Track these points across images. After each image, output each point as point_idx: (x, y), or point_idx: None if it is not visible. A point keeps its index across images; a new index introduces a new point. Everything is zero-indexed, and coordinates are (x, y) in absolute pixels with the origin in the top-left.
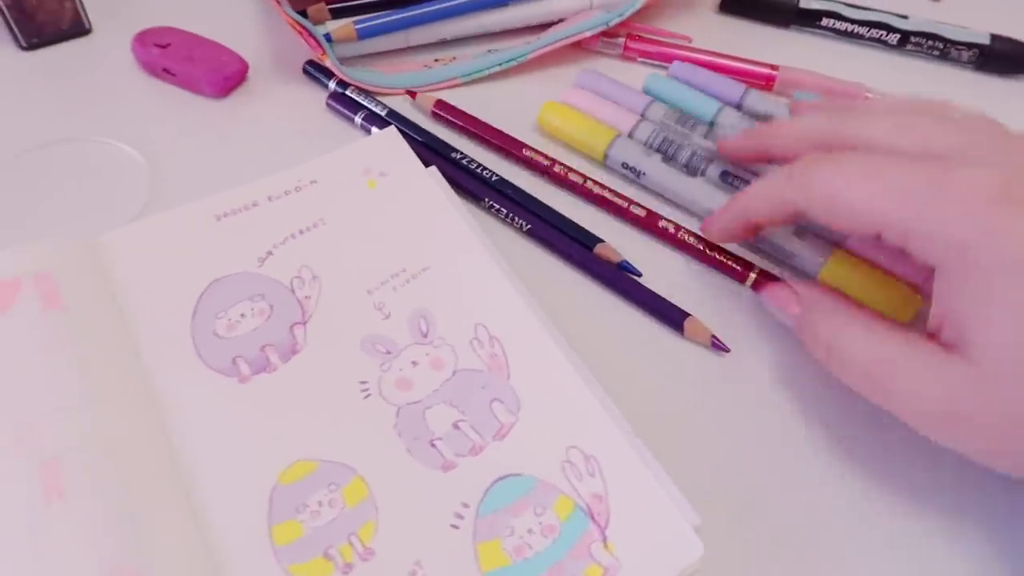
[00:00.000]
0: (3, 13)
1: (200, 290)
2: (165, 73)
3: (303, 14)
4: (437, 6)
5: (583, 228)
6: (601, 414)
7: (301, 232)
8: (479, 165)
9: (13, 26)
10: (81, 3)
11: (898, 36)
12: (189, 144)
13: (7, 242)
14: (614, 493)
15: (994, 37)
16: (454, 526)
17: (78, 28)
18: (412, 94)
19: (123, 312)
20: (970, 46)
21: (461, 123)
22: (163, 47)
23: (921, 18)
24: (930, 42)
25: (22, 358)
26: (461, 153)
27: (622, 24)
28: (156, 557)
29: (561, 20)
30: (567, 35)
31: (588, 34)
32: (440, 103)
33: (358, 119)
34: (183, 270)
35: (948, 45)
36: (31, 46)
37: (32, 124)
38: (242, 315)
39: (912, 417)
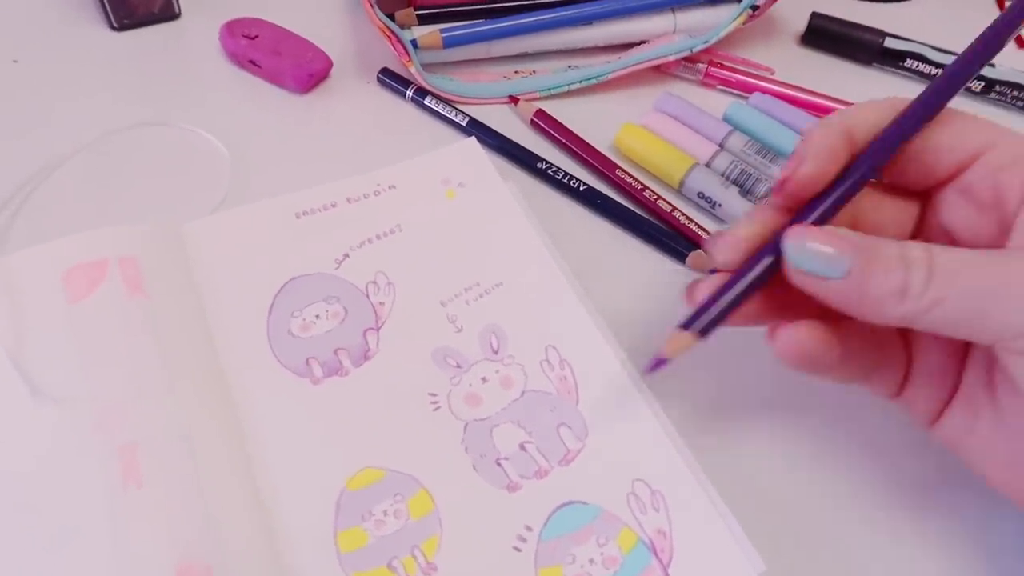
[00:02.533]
0: None
1: (277, 287)
2: (251, 64)
3: (391, 17)
4: (525, 20)
5: (677, 234)
6: (669, 448)
7: (379, 237)
8: (567, 175)
9: (106, 5)
10: None
11: (983, 84)
12: (271, 138)
13: (89, 222)
14: (679, 530)
15: None
16: (516, 548)
17: (168, 12)
18: (515, 100)
19: (202, 303)
20: None
21: (558, 135)
22: (251, 38)
23: (1008, 67)
24: (1015, 92)
25: (106, 341)
26: (547, 163)
27: (704, 51)
28: (226, 554)
29: (643, 41)
30: (649, 57)
31: (672, 58)
32: (540, 113)
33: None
34: (262, 266)
35: None
36: (122, 27)
37: (118, 105)
38: (317, 316)
39: None
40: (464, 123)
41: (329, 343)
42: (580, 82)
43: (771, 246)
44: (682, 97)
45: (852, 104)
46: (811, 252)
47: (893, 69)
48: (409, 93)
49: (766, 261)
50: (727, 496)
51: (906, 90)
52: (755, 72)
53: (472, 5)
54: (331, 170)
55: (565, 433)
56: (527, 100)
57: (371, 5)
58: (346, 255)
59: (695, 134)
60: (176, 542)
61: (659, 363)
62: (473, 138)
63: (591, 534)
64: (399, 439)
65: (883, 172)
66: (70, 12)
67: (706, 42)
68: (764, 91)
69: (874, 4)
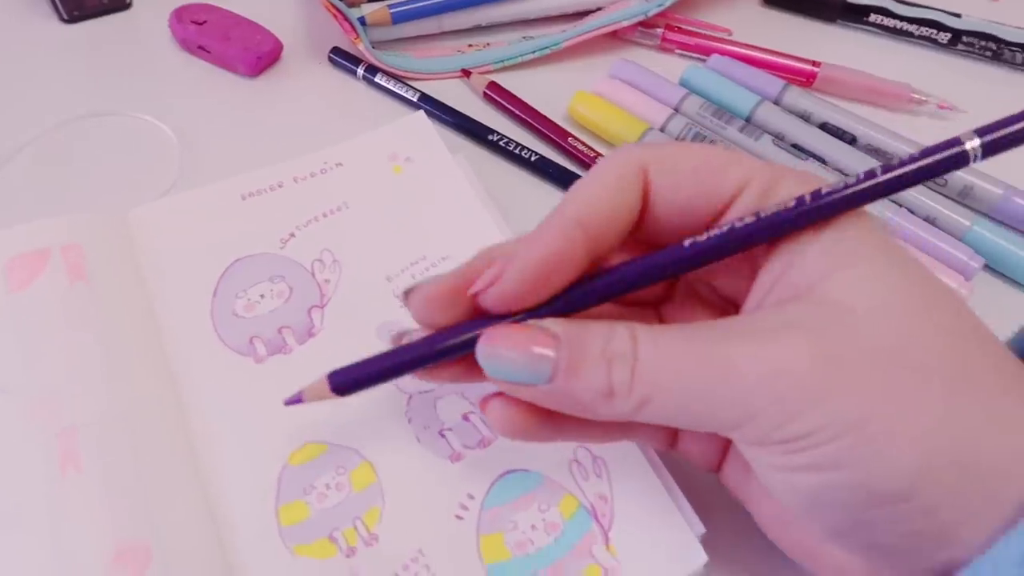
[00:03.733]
0: None
1: (222, 269)
2: (200, 50)
3: None
4: None
5: None
6: None
7: (325, 215)
8: (518, 146)
9: None
10: None
11: (949, 35)
12: (221, 122)
13: (40, 213)
14: (619, 496)
15: None
16: (459, 517)
17: (118, 2)
18: (467, 73)
19: (146, 287)
20: None
21: (511, 106)
22: (200, 24)
23: (975, 17)
24: (983, 42)
25: (46, 329)
26: (499, 134)
27: (660, 15)
28: (166, 534)
29: (599, 8)
30: (603, 24)
31: (625, 23)
32: (493, 85)
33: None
34: (206, 248)
35: (1002, 46)
36: (72, 19)
37: (68, 96)
38: (261, 296)
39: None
40: (415, 99)
41: (273, 322)
42: (534, 52)
43: (463, 329)
44: (637, 63)
45: (813, 61)
46: (506, 361)
47: (857, 25)
48: (360, 71)
49: (449, 343)
50: (669, 460)
51: (873, 46)
52: (713, 34)
53: None
54: (282, 152)
55: None
56: (480, 73)
57: None
58: (292, 234)
59: (650, 99)
60: (115, 524)
61: (297, 400)
62: (421, 112)
63: (533, 501)
64: (342, 413)
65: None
66: (20, 5)
67: (660, 5)
68: (723, 53)
69: None
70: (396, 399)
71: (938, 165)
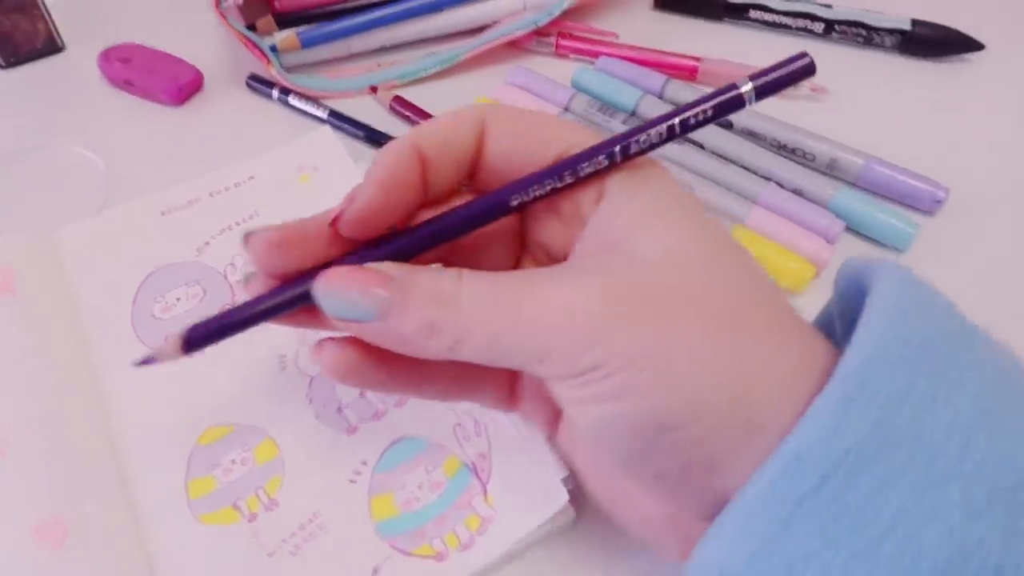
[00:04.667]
0: None
1: (142, 277)
2: (127, 85)
3: (253, 27)
4: (373, 15)
5: None
6: None
7: (237, 224)
8: None
9: None
10: (53, 24)
11: (823, 25)
12: (146, 149)
13: None
14: (496, 452)
15: (915, 22)
16: (352, 481)
17: (52, 47)
18: (374, 89)
19: (72, 297)
20: (892, 31)
21: (414, 116)
22: (125, 61)
23: (845, 7)
24: (854, 29)
25: None
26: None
27: (554, 24)
28: (84, 509)
29: (496, 23)
30: (498, 36)
31: (519, 34)
32: (398, 98)
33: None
34: (128, 260)
35: (871, 31)
36: (9, 64)
37: (6, 135)
38: (178, 299)
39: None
40: (325, 115)
41: (188, 321)
42: (437, 66)
43: (304, 280)
44: (531, 69)
45: (697, 58)
46: (343, 299)
47: (741, 22)
48: (275, 94)
49: (291, 294)
50: None
51: (756, 40)
52: (602, 39)
53: (330, 7)
54: (205, 171)
55: None
56: (387, 89)
57: (223, 16)
58: (207, 243)
59: (542, 100)
60: (34, 503)
61: (150, 360)
62: (326, 127)
63: (420, 463)
64: (248, 397)
65: (469, 184)
66: None
67: (550, 14)
68: (611, 55)
69: None
70: (299, 381)
71: (720, 106)
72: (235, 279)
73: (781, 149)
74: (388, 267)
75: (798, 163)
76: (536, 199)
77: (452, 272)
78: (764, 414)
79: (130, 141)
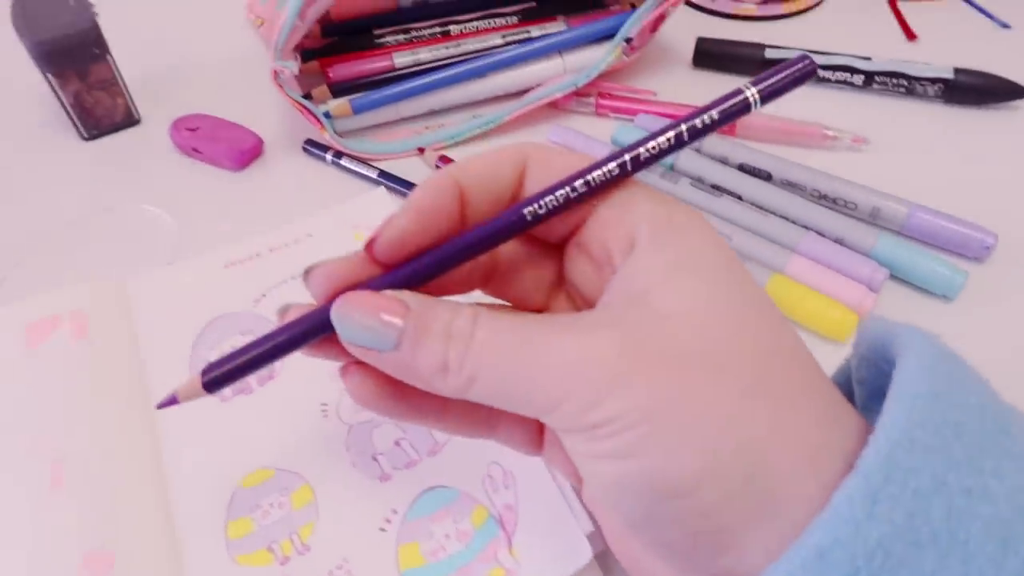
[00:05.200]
0: (67, 110)
1: (202, 326)
2: (195, 152)
3: (309, 96)
4: (420, 81)
5: None
6: None
7: (293, 277)
8: None
9: (75, 120)
10: (131, 99)
11: (863, 77)
12: (212, 208)
13: (61, 284)
14: (524, 504)
15: (957, 70)
16: (382, 529)
17: (129, 119)
18: (421, 150)
19: (138, 342)
20: (935, 81)
21: None
22: (193, 130)
23: (885, 58)
24: (895, 80)
25: (48, 379)
26: None
27: (593, 84)
28: (130, 544)
29: (538, 85)
30: (539, 97)
31: (558, 95)
32: (443, 158)
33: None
34: (190, 309)
35: (913, 81)
36: (91, 136)
37: (87, 197)
38: (232, 347)
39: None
40: (376, 176)
41: None
42: (481, 127)
43: (322, 308)
44: (571, 128)
45: None
46: (358, 325)
47: None
48: (328, 157)
49: (308, 324)
50: None
51: (795, 93)
52: (639, 97)
53: (381, 75)
54: (263, 228)
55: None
56: (433, 150)
57: (281, 87)
58: (264, 295)
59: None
60: (85, 534)
61: (172, 401)
62: (382, 188)
63: (449, 514)
64: (290, 442)
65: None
66: (50, 128)
67: (587, 77)
68: (649, 112)
69: (756, 23)
70: (338, 430)
71: (726, 111)
72: None
73: (822, 199)
74: (407, 296)
75: (839, 212)
76: (551, 211)
77: (470, 309)
78: (781, 491)
79: (198, 201)
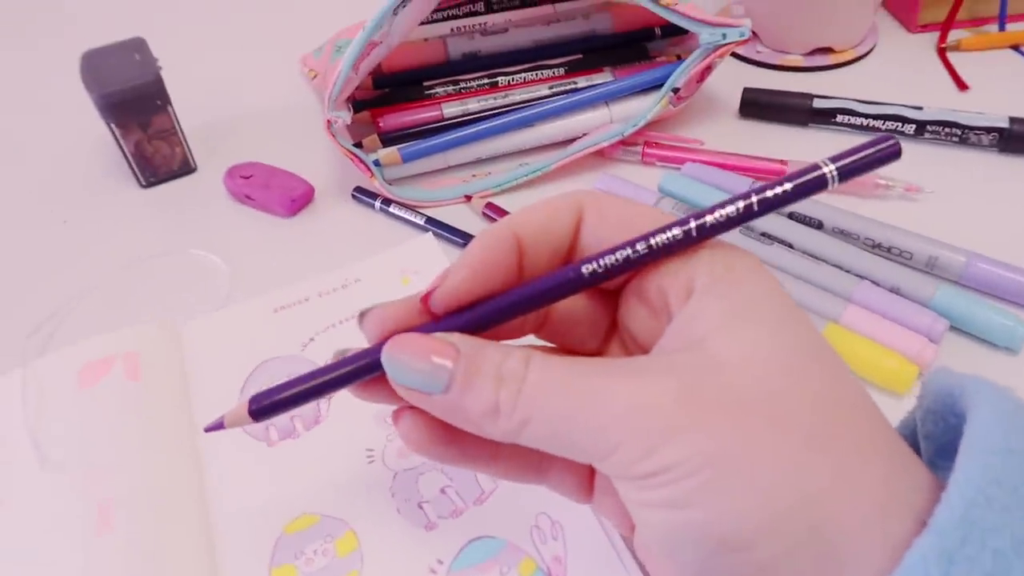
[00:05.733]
0: (128, 158)
1: (251, 369)
2: (248, 199)
3: (359, 145)
4: (468, 131)
5: None
6: None
7: (341, 322)
8: None
9: (135, 169)
10: (188, 147)
11: (914, 126)
12: (264, 254)
13: (117, 326)
14: (573, 556)
15: (1012, 119)
16: None
17: (186, 168)
18: (468, 198)
19: (189, 384)
20: (989, 130)
21: None
22: (247, 178)
23: (936, 108)
24: (947, 129)
25: (101, 419)
26: None
27: (639, 133)
28: None
29: (585, 134)
30: (586, 146)
31: (605, 144)
32: (490, 205)
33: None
34: (240, 352)
35: (967, 131)
36: (149, 184)
37: (144, 242)
38: None
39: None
40: (423, 222)
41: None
42: (528, 175)
43: (374, 349)
44: (617, 176)
45: (783, 161)
46: (408, 367)
47: (827, 126)
48: (377, 204)
49: (359, 363)
50: None
51: (845, 143)
52: (686, 145)
53: (430, 124)
54: (312, 273)
55: (482, 476)
56: (480, 197)
57: (333, 136)
58: (312, 339)
59: None
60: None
61: (219, 426)
62: (429, 234)
63: (496, 565)
64: (335, 489)
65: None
66: (111, 176)
67: (635, 126)
68: (696, 160)
69: (803, 74)
70: (384, 476)
71: (801, 186)
72: None
73: (876, 248)
74: (457, 339)
75: (895, 261)
76: (610, 271)
77: (522, 352)
78: (846, 548)
79: (250, 247)
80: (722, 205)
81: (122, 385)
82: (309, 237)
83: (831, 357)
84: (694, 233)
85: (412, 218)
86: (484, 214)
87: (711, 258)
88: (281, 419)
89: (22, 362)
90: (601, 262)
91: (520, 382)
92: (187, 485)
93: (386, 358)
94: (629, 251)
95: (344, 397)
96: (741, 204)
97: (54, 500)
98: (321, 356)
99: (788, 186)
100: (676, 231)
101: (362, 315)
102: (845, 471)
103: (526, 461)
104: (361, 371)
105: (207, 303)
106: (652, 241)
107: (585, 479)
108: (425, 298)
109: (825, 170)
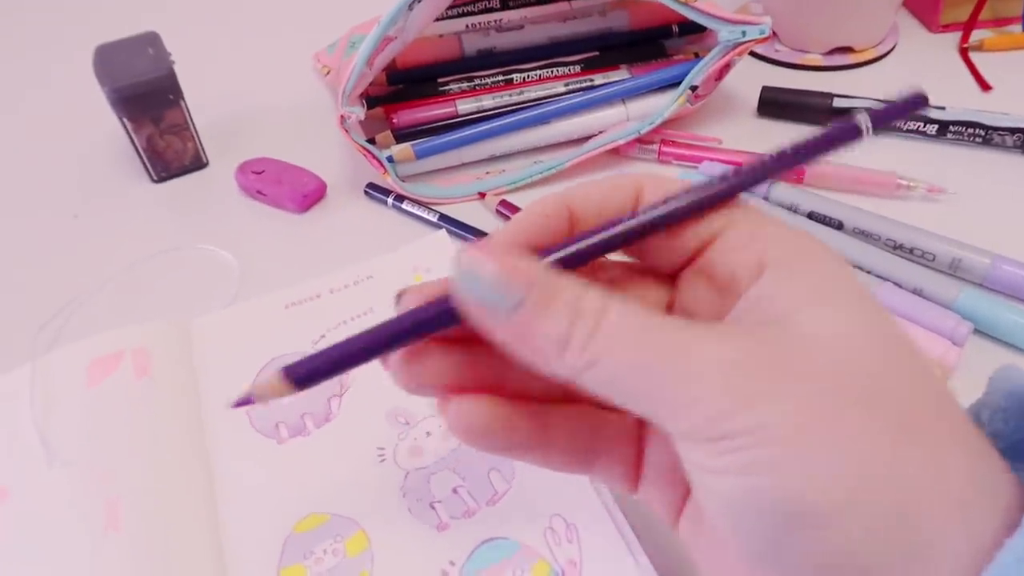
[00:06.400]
0: (139, 153)
1: (261, 366)
2: (259, 194)
3: (372, 141)
4: (482, 127)
5: None
6: (587, 486)
7: (353, 319)
8: None
9: (147, 163)
10: (200, 142)
11: (936, 126)
12: (275, 250)
13: (126, 322)
14: (588, 559)
15: None
16: None
17: (197, 163)
18: (482, 195)
19: (198, 381)
20: (1013, 131)
21: None
22: (259, 173)
23: (960, 108)
24: (971, 130)
25: (110, 416)
26: None
27: (656, 131)
28: None
29: (601, 132)
30: (602, 144)
31: (621, 142)
32: (504, 203)
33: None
34: (251, 349)
35: (990, 132)
36: (160, 179)
37: (156, 237)
38: None
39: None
40: (436, 219)
41: (297, 409)
42: (542, 173)
43: (419, 309)
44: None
45: None
46: (481, 276)
47: None
48: (390, 201)
49: (413, 320)
50: (640, 522)
51: (864, 144)
52: (704, 144)
53: (444, 121)
54: (325, 270)
55: (495, 476)
56: (494, 195)
57: (346, 131)
58: (323, 336)
59: None
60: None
61: (246, 401)
62: (443, 230)
63: (509, 567)
64: (346, 488)
65: (627, 252)
66: (121, 171)
67: (651, 124)
68: (714, 159)
69: (822, 73)
70: (395, 475)
71: (836, 134)
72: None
73: (898, 249)
74: (533, 265)
75: (917, 263)
76: (666, 219)
77: (599, 290)
78: (932, 541)
79: (261, 243)
80: (765, 159)
81: (131, 382)
82: (320, 233)
83: (912, 344)
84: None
85: (425, 215)
86: (498, 211)
87: (783, 236)
88: (291, 416)
89: (31, 357)
90: (652, 210)
91: (598, 318)
92: (196, 483)
93: (462, 265)
94: (685, 199)
95: (355, 396)
96: (776, 152)
97: (62, 496)
98: None
99: (823, 132)
100: (727, 177)
101: (399, 295)
102: (934, 459)
103: (575, 449)
104: (421, 325)
105: (217, 299)
106: (707, 187)
107: (632, 468)
108: (472, 245)
109: (860, 118)
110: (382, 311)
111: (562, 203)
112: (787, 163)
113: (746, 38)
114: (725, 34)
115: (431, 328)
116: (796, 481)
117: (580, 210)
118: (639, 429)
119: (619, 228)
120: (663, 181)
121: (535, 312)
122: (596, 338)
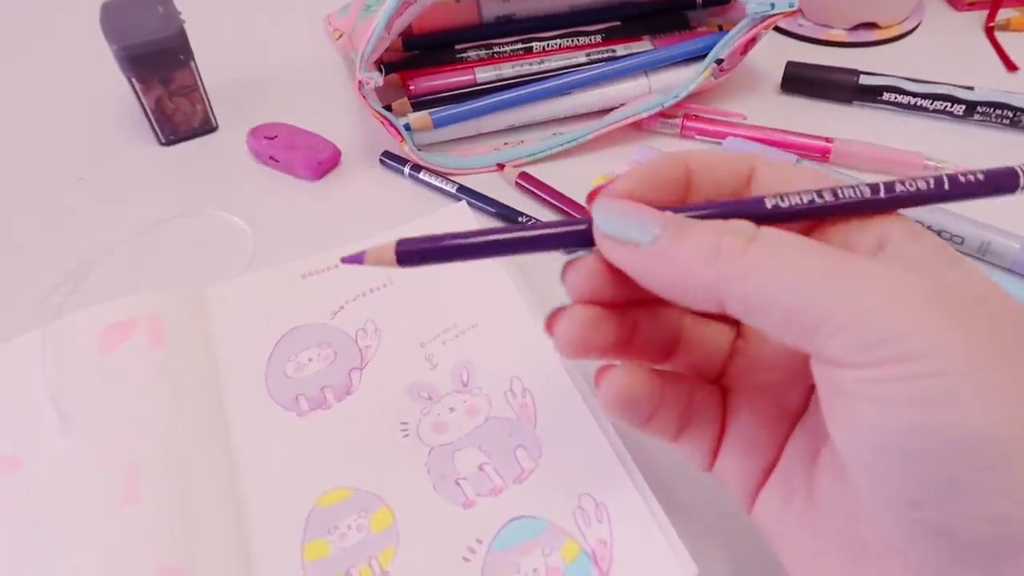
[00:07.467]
0: (148, 115)
1: (278, 336)
2: (272, 160)
3: (388, 108)
4: (502, 97)
5: None
6: (616, 465)
7: (371, 291)
8: None
9: (155, 126)
10: (210, 105)
11: (964, 107)
12: (288, 218)
13: (137, 291)
14: (619, 540)
15: None
16: (465, 559)
17: (207, 126)
18: (501, 166)
19: (214, 351)
20: None
21: (539, 192)
22: (271, 139)
23: (988, 88)
24: (999, 111)
25: (124, 385)
26: (528, 217)
27: (679, 105)
28: (201, 560)
29: (622, 104)
30: (624, 116)
31: (644, 115)
32: (524, 175)
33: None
34: (267, 319)
35: (1019, 113)
36: (169, 142)
37: (165, 203)
38: (310, 359)
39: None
40: (454, 190)
41: (317, 381)
42: (562, 145)
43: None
44: (656, 148)
45: (828, 139)
46: (618, 213)
47: (873, 104)
48: (406, 170)
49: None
50: (671, 503)
51: (889, 122)
52: (728, 119)
53: (462, 89)
54: (340, 240)
55: (521, 454)
56: (513, 166)
57: (364, 97)
58: (341, 307)
59: None
60: (158, 549)
61: (357, 259)
62: (463, 202)
63: (537, 546)
64: (369, 462)
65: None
66: (128, 133)
67: (676, 97)
68: (737, 135)
69: (846, 49)
70: (419, 451)
71: (993, 176)
72: (364, 344)
73: None
74: (658, 213)
75: None
76: (791, 212)
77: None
78: None
79: (274, 211)
80: (913, 179)
81: (145, 350)
82: (335, 202)
83: None
84: (882, 194)
85: (443, 185)
86: (518, 183)
87: (903, 223)
88: (311, 389)
89: (37, 324)
90: (786, 200)
91: (751, 232)
92: (215, 455)
93: (599, 206)
94: (815, 195)
95: (375, 369)
96: (932, 181)
97: (76, 465)
98: (350, 325)
99: (980, 174)
100: (865, 188)
101: (590, 195)
102: None
103: (673, 416)
104: (544, 240)
105: (230, 267)
106: (840, 191)
107: (715, 439)
108: (592, 195)
109: (1018, 169)
110: (399, 283)
111: (681, 161)
112: (936, 195)
113: (775, 11)
114: (753, 6)
115: (556, 245)
116: (977, 412)
117: (697, 170)
118: (724, 397)
119: (805, 202)
120: (779, 165)
121: (676, 237)
122: (753, 245)
